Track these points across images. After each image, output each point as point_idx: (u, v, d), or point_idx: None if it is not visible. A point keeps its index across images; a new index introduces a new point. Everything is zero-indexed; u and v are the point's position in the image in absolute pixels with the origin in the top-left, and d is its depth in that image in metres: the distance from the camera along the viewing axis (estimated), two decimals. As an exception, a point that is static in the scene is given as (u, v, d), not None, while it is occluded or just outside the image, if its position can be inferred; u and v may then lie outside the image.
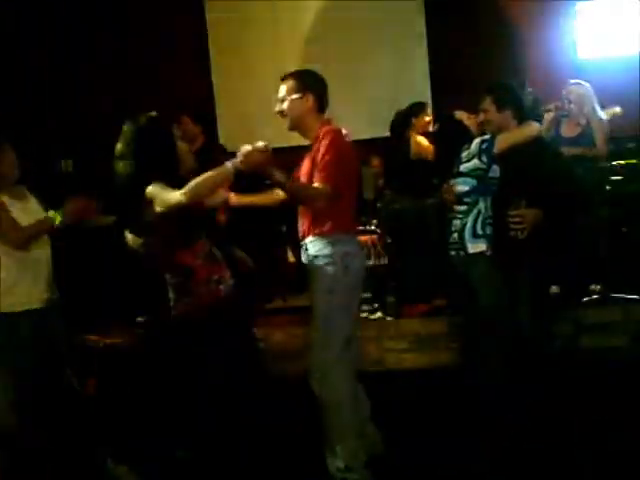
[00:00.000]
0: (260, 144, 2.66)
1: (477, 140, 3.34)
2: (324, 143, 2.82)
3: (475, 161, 3.30)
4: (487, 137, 3.32)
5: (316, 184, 2.79)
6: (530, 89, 5.16)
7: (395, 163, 5.33)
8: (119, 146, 2.80)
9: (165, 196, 2.64)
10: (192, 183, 2.62)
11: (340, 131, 2.91)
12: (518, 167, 3.22)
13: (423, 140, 5.12)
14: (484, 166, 3.28)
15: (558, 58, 6.15)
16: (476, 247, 3.31)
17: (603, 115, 4.74)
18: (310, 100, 2.90)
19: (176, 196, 2.61)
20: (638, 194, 5.01)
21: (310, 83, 2.93)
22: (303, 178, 2.92)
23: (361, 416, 3.01)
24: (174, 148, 2.84)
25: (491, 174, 3.29)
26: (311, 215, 2.88)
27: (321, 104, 2.94)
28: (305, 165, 2.94)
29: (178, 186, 2.66)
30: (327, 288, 2.83)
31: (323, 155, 2.80)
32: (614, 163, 5.11)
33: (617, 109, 4.89)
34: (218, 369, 2.83)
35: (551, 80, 5.34)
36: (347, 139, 2.95)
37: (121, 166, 2.78)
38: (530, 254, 3.24)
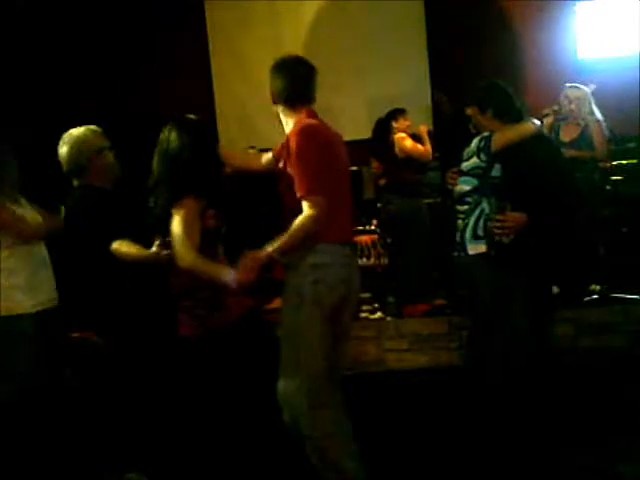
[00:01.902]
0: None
1: (477, 138, 3.32)
2: (292, 146, 2.55)
3: (474, 159, 3.28)
4: (486, 134, 3.29)
5: (303, 205, 2.51)
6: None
7: (384, 165, 5.38)
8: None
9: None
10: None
11: (309, 128, 2.59)
12: (515, 165, 3.19)
13: (405, 137, 5.19)
14: (483, 164, 3.24)
15: (558, 58, 6.16)
16: (476, 248, 3.23)
17: (601, 117, 4.75)
18: (272, 87, 2.68)
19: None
20: (638, 194, 5.01)
21: (275, 68, 2.72)
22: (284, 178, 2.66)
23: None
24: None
25: (493, 173, 3.24)
26: (287, 220, 2.58)
27: (287, 94, 2.65)
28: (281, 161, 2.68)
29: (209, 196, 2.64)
30: (294, 304, 2.58)
31: (296, 161, 2.52)
32: (614, 163, 5.11)
33: (592, 86, 4.87)
34: (243, 377, 2.74)
35: (551, 80, 5.34)
36: (325, 134, 2.65)
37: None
38: (528, 254, 3.20)
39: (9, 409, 2.93)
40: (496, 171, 3.24)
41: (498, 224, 3.14)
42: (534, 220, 3.11)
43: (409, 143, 5.17)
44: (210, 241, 2.69)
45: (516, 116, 3.30)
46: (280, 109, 2.71)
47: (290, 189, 2.59)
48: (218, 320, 2.70)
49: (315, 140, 2.57)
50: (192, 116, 2.79)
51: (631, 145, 5.46)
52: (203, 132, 2.74)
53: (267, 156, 2.92)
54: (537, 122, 3.31)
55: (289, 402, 2.63)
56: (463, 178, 3.34)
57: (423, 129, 5.37)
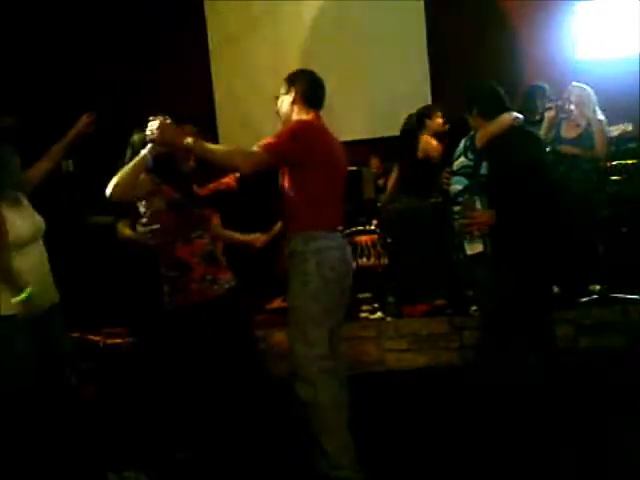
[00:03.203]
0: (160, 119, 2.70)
1: (465, 138, 3.33)
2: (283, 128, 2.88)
3: (462, 159, 3.29)
4: (472, 133, 3.30)
5: (254, 148, 2.74)
6: (542, 85, 5.18)
7: (403, 163, 5.32)
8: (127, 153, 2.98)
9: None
10: (113, 179, 2.76)
11: (306, 122, 2.89)
12: (495, 160, 3.17)
13: (432, 139, 5.11)
14: (471, 163, 3.23)
15: (558, 58, 6.16)
16: (474, 248, 3.20)
17: (603, 117, 4.76)
18: (293, 94, 2.93)
19: (106, 191, 2.78)
20: (638, 194, 5.01)
21: (295, 79, 2.97)
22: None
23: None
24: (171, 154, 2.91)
25: (482, 171, 3.21)
26: (287, 212, 2.89)
27: (306, 99, 2.94)
28: None
29: (179, 183, 2.90)
30: (301, 281, 2.83)
31: (279, 130, 2.83)
32: (614, 163, 5.11)
33: (629, 127, 4.89)
34: (210, 366, 2.87)
35: (551, 80, 5.33)
36: (320, 131, 2.91)
37: None
38: (525, 252, 3.15)
39: (10, 408, 2.94)
40: (484, 169, 3.22)
41: (465, 221, 3.15)
42: (516, 215, 3.07)
43: (436, 147, 5.01)
44: (178, 210, 2.94)
45: (495, 113, 3.27)
46: (297, 106, 2.94)
47: (286, 189, 2.88)
48: (178, 301, 2.93)
49: (305, 132, 2.83)
50: None
51: (631, 145, 5.46)
52: None
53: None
54: (515, 114, 3.28)
55: (301, 371, 2.83)
56: (455, 178, 3.34)
57: None
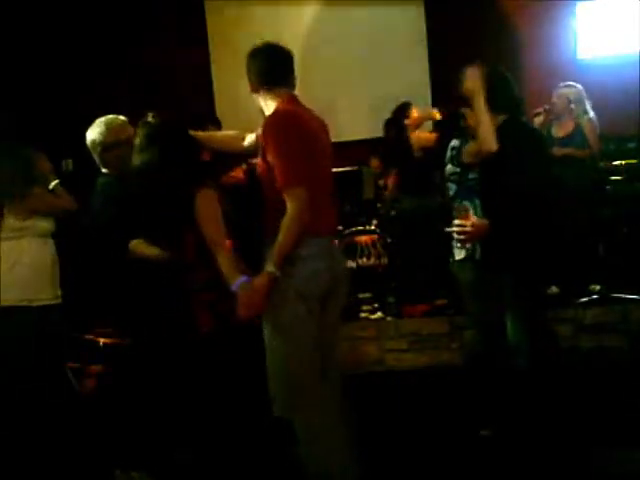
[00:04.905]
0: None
1: (449, 147, 3.29)
2: (268, 137, 2.45)
3: (449, 166, 3.26)
4: (455, 144, 3.24)
5: (286, 199, 2.38)
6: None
7: (399, 165, 5.31)
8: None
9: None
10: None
11: (284, 116, 2.48)
12: (487, 169, 3.12)
13: (422, 133, 5.12)
14: (458, 170, 3.21)
15: (558, 58, 6.16)
16: (461, 253, 3.16)
17: (593, 114, 4.78)
18: (251, 73, 2.59)
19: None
20: (638, 194, 5.01)
21: (252, 54, 2.64)
22: (259, 169, 2.57)
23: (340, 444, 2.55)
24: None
25: (471, 175, 3.17)
26: (264, 216, 2.51)
27: (265, 79, 2.58)
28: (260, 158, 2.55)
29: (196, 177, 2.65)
30: (275, 303, 2.42)
31: (274, 153, 2.41)
32: (614, 163, 5.12)
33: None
34: (235, 372, 2.79)
35: (551, 80, 5.34)
36: (302, 121, 2.49)
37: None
38: (514, 255, 3.07)
39: (14, 408, 2.94)
40: (473, 173, 3.16)
41: (457, 229, 3.05)
42: (507, 217, 2.99)
43: (427, 138, 4.99)
44: None
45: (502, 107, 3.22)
46: (261, 96, 2.62)
47: (268, 176, 2.50)
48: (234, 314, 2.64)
49: (290, 129, 2.44)
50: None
51: (631, 145, 5.46)
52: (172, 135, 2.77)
53: (251, 137, 2.87)
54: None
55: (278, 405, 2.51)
56: (447, 184, 3.31)
57: (437, 115, 5.16)
